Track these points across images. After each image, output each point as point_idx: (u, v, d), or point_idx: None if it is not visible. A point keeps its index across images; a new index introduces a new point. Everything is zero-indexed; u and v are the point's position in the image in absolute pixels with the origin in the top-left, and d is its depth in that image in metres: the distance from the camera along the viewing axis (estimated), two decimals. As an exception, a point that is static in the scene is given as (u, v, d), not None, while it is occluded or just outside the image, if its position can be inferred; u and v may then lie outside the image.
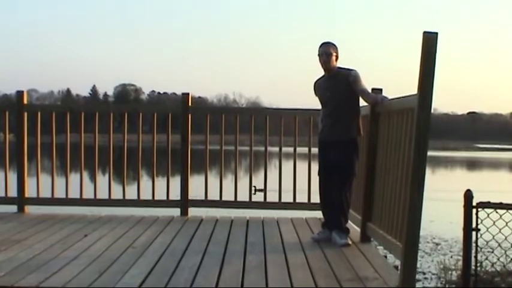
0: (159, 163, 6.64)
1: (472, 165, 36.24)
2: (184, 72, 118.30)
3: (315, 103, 5.40)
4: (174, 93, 77.30)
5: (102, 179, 6.69)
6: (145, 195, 6.61)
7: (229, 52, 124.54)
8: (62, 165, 6.81)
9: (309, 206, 6.48)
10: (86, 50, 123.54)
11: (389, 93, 4.90)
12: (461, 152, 49.88)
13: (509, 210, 4.38)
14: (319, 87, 5.20)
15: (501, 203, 4.38)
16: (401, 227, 3.89)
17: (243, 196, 6.63)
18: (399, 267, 3.83)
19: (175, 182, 6.55)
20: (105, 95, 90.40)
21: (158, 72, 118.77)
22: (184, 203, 6.52)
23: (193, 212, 6.53)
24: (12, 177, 6.58)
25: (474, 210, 4.32)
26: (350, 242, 4.96)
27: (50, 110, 6.99)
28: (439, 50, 3.51)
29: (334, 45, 5.08)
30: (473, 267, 4.41)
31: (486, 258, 4.71)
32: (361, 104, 5.13)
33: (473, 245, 4.34)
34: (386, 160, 4.63)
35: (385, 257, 5.19)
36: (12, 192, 6.56)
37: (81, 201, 6.60)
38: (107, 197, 6.58)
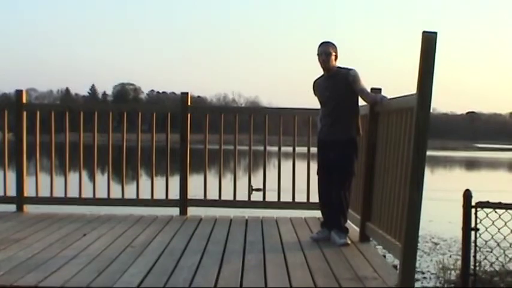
0: (158, 162, 6.64)
1: (471, 165, 36.26)
2: (184, 71, 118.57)
3: (314, 103, 5.41)
4: (173, 93, 77.43)
5: (101, 178, 6.69)
6: (145, 194, 6.61)
7: (229, 52, 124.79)
8: (61, 164, 6.81)
9: (308, 205, 6.49)
10: (85, 50, 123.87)
11: (389, 93, 4.91)
12: (460, 152, 49.91)
13: (508, 210, 4.38)
14: (319, 87, 5.20)
15: (500, 203, 4.39)
16: (401, 226, 3.89)
17: (242, 196, 6.63)
18: (398, 267, 3.83)
19: (175, 181, 6.54)
20: (104, 94, 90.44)
21: (157, 72, 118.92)
22: (184, 202, 6.52)
23: (192, 211, 6.53)
24: (11, 177, 6.58)
25: (473, 210, 4.33)
26: (349, 242, 4.96)
27: (49, 109, 6.98)
28: (439, 50, 3.51)
29: (334, 44, 5.09)
30: (472, 266, 4.41)
31: (485, 258, 4.72)
32: (360, 104, 5.13)
33: (472, 244, 4.34)
34: (385, 160, 4.63)
35: (384, 256, 5.19)
36: (11, 192, 6.56)
37: (80, 201, 6.60)
38: (105, 196, 6.58)
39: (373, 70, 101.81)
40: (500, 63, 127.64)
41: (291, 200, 6.57)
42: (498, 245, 4.59)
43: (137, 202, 6.62)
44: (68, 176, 6.56)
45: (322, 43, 5.07)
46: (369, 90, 5.09)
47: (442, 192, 13.52)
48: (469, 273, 4.38)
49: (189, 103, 6.54)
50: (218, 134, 6.56)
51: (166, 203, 6.63)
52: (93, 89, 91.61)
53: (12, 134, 6.66)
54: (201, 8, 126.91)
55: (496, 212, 4.41)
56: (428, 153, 3.94)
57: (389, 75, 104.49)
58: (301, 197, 6.53)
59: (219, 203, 6.63)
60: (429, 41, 3.54)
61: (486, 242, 4.44)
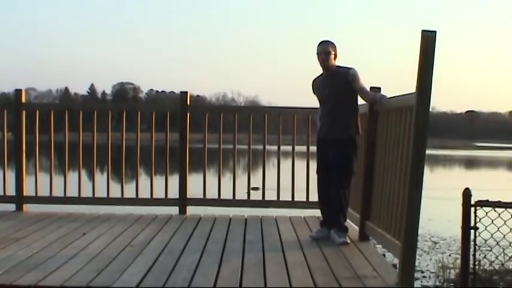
0: (157, 162, 6.64)
1: (471, 163, 36.24)
2: (183, 71, 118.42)
3: (313, 102, 5.40)
4: (173, 92, 77.26)
5: (100, 178, 6.69)
6: (144, 193, 6.61)
7: (229, 51, 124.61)
8: (60, 163, 6.82)
9: (307, 204, 6.49)
10: (85, 49, 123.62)
11: (388, 92, 4.89)
12: (460, 151, 49.85)
13: (508, 209, 4.38)
14: (318, 86, 5.20)
15: (499, 202, 4.38)
16: (400, 225, 3.89)
17: (241, 194, 6.64)
18: (398, 266, 3.83)
19: (174, 180, 6.54)
20: (104, 93, 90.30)
21: (157, 71, 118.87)
22: (183, 201, 6.52)
23: (191, 210, 6.54)
24: (11, 176, 6.58)
25: (472, 209, 4.32)
26: (348, 241, 4.96)
27: (48, 108, 6.97)
28: (438, 49, 3.51)
29: (333, 43, 5.09)
30: (471, 265, 4.40)
31: (484, 257, 4.70)
32: (359, 103, 5.13)
33: (472, 243, 4.34)
34: (384, 158, 4.63)
35: (384, 255, 5.18)
36: (11, 191, 6.56)
37: (79, 200, 6.60)
38: (105, 195, 6.58)
39: (373, 70, 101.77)
40: (499, 62, 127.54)
41: (290, 199, 6.58)
42: (497, 243, 4.58)
43: (136, 201, 6.62)
44: (68, 175, 6.56)
45: (322, 42, 5.08)
46: (368, 89, 5.09)
47: (441, 191, 13.51)
48: (468, 272, 4.37)
49: (188, 102, 6.54)
50: (217, 133, 6.56)
51: (165, 202, 6.63)
52: (92, 88, 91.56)
53: (12, 133, 6.66)
54: (201, 8, 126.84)
55: (495, 210, 4.41)
56: (428, 152, 3.94)
57: (389, 75, 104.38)
58: (300, 196, 6.53)
59: (218, 202, 6.63)
60: (428, 40, 3.55)
61: (485, 240, 4.43)
